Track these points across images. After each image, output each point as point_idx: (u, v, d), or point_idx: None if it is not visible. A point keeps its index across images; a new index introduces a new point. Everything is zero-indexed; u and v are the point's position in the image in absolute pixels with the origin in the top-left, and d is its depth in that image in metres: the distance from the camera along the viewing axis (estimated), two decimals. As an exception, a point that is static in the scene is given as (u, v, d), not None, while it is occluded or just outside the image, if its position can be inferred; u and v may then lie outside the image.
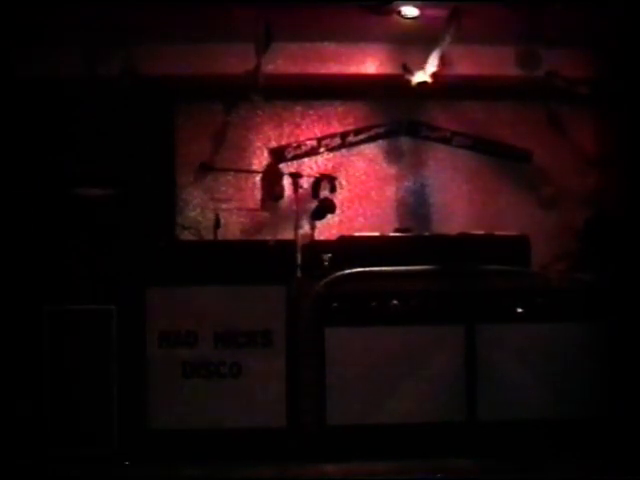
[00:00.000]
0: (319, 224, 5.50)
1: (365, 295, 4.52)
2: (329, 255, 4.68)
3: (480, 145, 6.43)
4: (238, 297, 4.52)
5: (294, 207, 5.23)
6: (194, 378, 4.46)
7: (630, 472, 3.99)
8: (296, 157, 6.29)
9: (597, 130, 6.37)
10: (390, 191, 6.38)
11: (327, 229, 5.81)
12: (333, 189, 5.53)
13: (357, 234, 5.00)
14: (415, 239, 5.02)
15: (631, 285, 4.60)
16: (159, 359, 4.44)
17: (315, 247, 4.91)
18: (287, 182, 5.73)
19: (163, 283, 4.48)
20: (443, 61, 5.65)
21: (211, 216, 5.63)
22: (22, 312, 4.47)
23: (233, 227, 6.12)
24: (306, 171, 5.94)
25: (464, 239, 4.85)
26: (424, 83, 5.70)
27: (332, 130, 6.35)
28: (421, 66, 5.69)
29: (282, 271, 4.59)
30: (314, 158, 6.31)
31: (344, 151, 6.36)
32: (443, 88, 5.81)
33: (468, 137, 6.43)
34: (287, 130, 6.33)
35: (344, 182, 6.21)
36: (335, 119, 6.37)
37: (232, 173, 6.15)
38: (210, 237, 5.50)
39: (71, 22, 5.32)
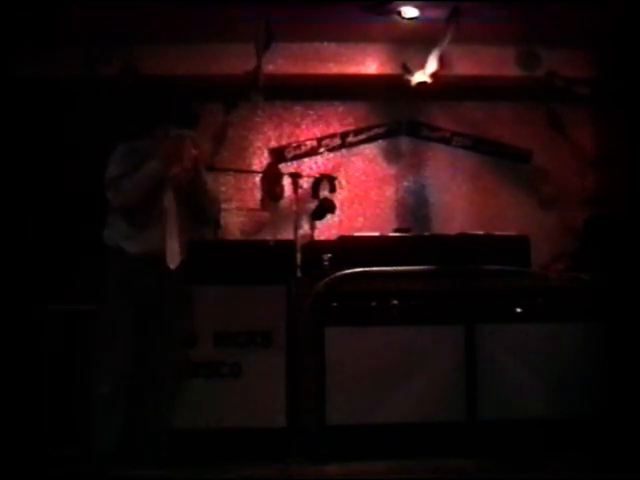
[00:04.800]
0: (319, 224, 5.49)
1: (365, 295, 4.52)
2: (329, 255, 4.68)
3: (480, 145, 6.42)
4: (238, 297, 4.52)
5: (294, 207, 5.22)
6: (194, 378, 4.46)
7: (630, 472, 3.98)
8: (296, 157, 6.28)
9: (597, 130, 6.37)
10: (390, 191, 6.37)
11: (327, 229, 5.81)
12: (333, 189, 5.52)
13: (357, 234, 4.99)
14: (415, 239, 5.01)
15: (631, 285, 4.60)
16: (159, 359, 4.43)
17: (315, 247, 4.90)
18: (287, 182, 5.72)
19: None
20: (443, 61, 5.65)
21: (211, 216, 5.62)
22: (22, 312, 4.47)
23: (233, 227, 6.12)
24: (306, 171, 5.94)
25: (464, 239, 4.85)
26: (424, 83, 5.69)
27: (332, 130, 6.34)
28: (421, 66, 5.69)
29: (282, 271, 4.59)
30: (314, 158, 6.30)
31: (344, 151, 6.34)
32: (443, 88, 5.80)
33: (468, 137, 6.42)
34: (287, 130, 6.32)
35: (344, 182, 6.20)
36: (335, 119, 6.36)
37: (232, 173, 6.14)
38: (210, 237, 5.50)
39: (71, 22, 5.32)
